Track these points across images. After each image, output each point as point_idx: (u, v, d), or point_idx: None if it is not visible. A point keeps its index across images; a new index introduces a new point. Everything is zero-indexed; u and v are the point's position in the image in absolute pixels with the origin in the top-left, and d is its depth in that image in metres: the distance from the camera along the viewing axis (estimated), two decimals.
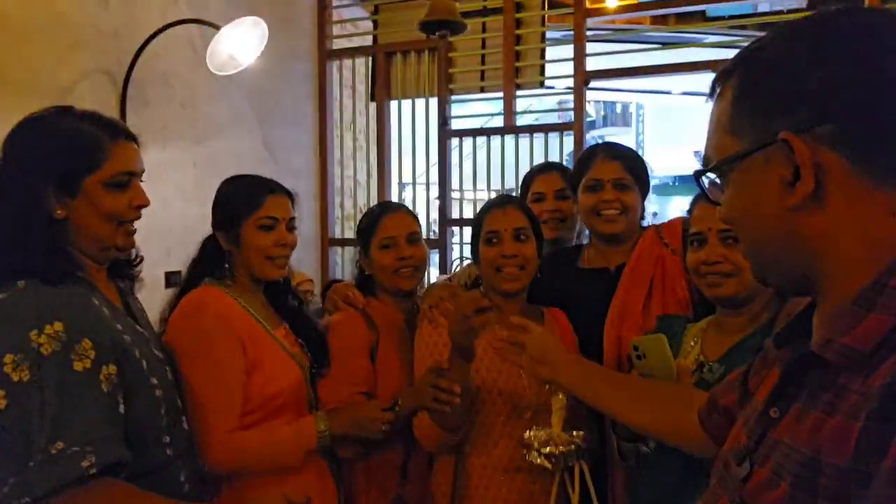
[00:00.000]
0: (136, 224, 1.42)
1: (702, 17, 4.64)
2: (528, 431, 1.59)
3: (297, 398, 1.69)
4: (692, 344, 1.55)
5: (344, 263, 4.01)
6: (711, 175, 0.79)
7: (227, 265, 1.73)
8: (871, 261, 0.66)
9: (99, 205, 1.31)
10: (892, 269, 0.65)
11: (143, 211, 1.43)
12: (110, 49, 2.64)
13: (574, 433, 1.57)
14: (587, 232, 2.18)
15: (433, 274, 3.94)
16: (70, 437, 1.15)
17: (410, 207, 4.00)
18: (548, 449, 1.55)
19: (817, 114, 0.67)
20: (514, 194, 3.11)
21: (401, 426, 1.74)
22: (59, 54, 2.46)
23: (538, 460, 1.56)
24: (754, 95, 0.72)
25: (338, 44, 3.98)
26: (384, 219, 1.99)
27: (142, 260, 1.54)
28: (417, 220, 2.07)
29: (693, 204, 1.56)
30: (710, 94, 0.78)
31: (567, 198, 2.24)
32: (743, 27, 4.68)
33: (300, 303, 1.88)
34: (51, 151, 1.28)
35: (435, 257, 3.92)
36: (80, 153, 1.30)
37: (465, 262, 2.94)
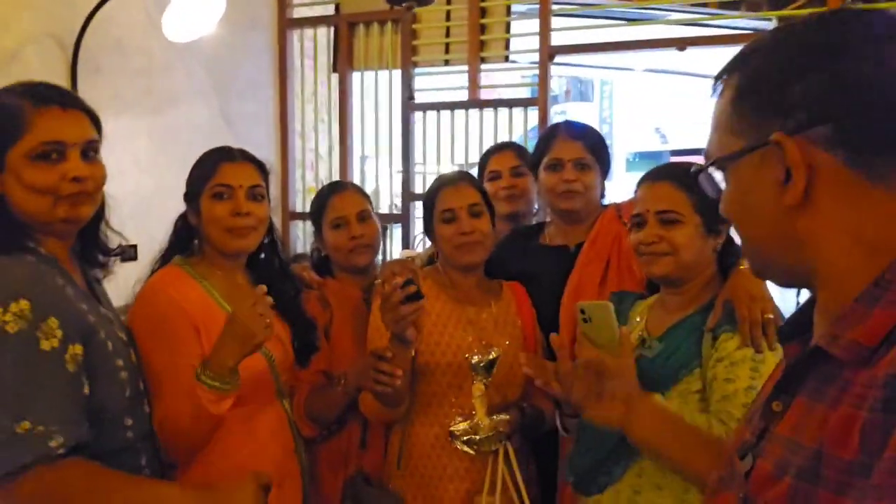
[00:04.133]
0: None
1: None
2: (453, 422, 1.69)
3: (258, 389, 1.60)
4: (637, 320, 1.60)
5: (305, 237, 3.96)
6: (713, 171, 0.79)
7: (196, 242, 1.68)
8: (870, 259, 0.67)
9: (24, 179, 1.24)
10: (893, 266, 0.66)
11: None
12: (60, 12, 2.53)
13: (497, 417, 1.67)
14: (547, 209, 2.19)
15: (396, 248, 3.91)
16: (36, 416, 1.13)
17: (372, 181, 4.00)
18: (467, 437, 1.66)
19: (814, 115, 0.67)
20: (475, 170, 3.10)
21: (353, 401, 1.76)
22: (5, 16, 2.35)
23: (461, 448, 1.66)
24: (752, 95, 0.72)
25: (298, 13, 3.88)
26: (333, 198, 2.00)
27: (122, 252, 1.47)
28: (367, 198, 2.08)
29: (637, 186, 1.59)
30: (712, 91, 0.78)
31: (522, 174, 2.26)
32: (706, 5, 4.70)
33: (297, 292, 1.79)
34: None
35: (398, 231, 3.90)
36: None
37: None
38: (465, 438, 1.66)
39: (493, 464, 1.69)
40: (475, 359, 1.68)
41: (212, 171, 1.64)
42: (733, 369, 1.37)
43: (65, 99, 1.30)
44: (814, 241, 0.70)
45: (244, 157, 1.69)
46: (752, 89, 0.73)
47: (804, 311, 0.78)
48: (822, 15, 0.73)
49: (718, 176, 0.79)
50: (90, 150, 1.32)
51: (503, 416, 1.70)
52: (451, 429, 1.69)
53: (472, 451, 1.67)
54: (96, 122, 1.36)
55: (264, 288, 1.46)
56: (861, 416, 0.61)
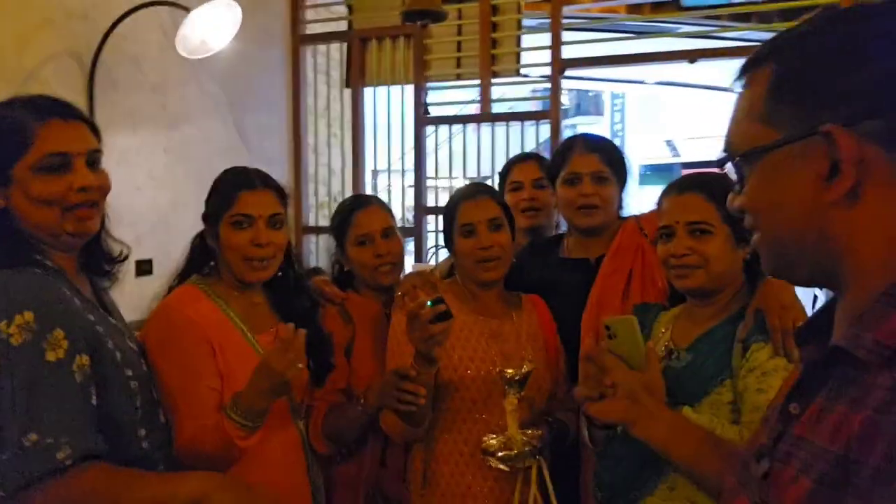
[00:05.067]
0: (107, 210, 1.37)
1: (676, 6, 4.64)
2: (485, 438, 1.65)
3: (272, 409, 1.54)
4: (663, 331, 1.57)
5: (318, 252, 3.98)
6: (731, 164, 0.75)
7: (214, 262, 1.67)
8: None
9: (31, 191, 1.25)
10: None
11: (112, 197, 1.38)
12: (78, 30, 2.57)
13: (530, 432, 1.63)
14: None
15: (409, 262, 3.92)
16: (43, 428, 1.14)
17: (385, 195, 4.02)
18: (502, 453, 1.61)
19: (868, 108, 0.64)
20: (489, 182, 3.10)
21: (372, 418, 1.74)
22: (25, 35, 2.39)
23: (495, 465, 1.62)
24: (797, 85, 0.69)
25: (311, 29, 3.92)
26: (357, 214, 1.97)
27: (125, 258, 1.48)
28: (391, 213, 2.04)
29: (662, 197, 1.57)
30: (737, 80, 0.74)
31: (544, 187, 2.24)
32: (717, 17, 4.71)
33: (314, 305, 1.77)
34: None
35: (410, 245, 3.91)
36: (1, 140, 1.25)
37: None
38: (500, 455, 1.62)
39: (524, 481, 1.65)
40: (509, 372, 1.65)
41: (231, 199, 1.61)
42: (765, 379, 1.34)
43: (65, 110, 1.31)
44: (848, 237, 0.67)
45: (264, 183, 1.66)
46: (794, 78, 0.69)
47: (822, 314, 0.76)
48: (874, 4, 0.69)
49: (732, 169, 0.75)
50: (94, 160, 1.33)
51: (535, 431, 1.66)
52: (484, 446, 1.65)
53: (506, 468, 1.63)
54: (96, 132, 1.37)
55: (303, 332, 1.46)
56: (887, 421, 0.59)
